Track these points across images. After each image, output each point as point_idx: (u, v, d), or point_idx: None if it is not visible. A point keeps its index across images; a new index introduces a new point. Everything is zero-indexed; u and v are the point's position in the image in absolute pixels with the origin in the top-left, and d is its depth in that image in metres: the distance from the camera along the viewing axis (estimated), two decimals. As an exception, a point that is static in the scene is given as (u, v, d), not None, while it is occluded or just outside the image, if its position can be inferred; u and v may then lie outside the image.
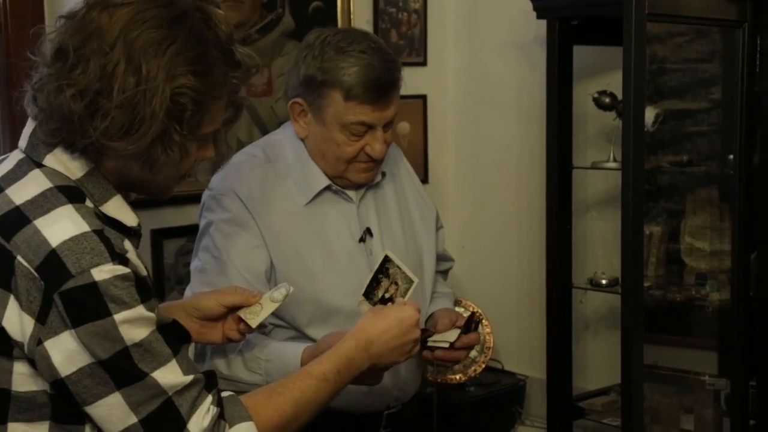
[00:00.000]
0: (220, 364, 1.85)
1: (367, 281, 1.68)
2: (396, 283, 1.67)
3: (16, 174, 1.33)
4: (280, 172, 1.97)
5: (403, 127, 3.21)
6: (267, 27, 2.79)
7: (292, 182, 1.97)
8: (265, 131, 2.79)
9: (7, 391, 1.29)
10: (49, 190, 1.29)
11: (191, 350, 1.38)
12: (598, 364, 3.04)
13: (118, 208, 1.35)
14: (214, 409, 1.30)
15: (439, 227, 2.20)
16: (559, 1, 2.67)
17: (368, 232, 2.00)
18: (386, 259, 1.69)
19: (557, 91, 2.71)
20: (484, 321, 2.54)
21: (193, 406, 1.29)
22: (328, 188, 1.98)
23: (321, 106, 1.89)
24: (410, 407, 2.08)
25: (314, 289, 1.90)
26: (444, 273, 2.27)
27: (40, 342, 1.24)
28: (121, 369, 1.25)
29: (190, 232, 2.65)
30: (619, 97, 2.56)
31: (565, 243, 2.79)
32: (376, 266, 1.68)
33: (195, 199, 2.62)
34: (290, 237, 1.94)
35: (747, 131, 2.61)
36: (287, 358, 1.81)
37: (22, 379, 1.28)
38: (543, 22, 2.71)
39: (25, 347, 1.25)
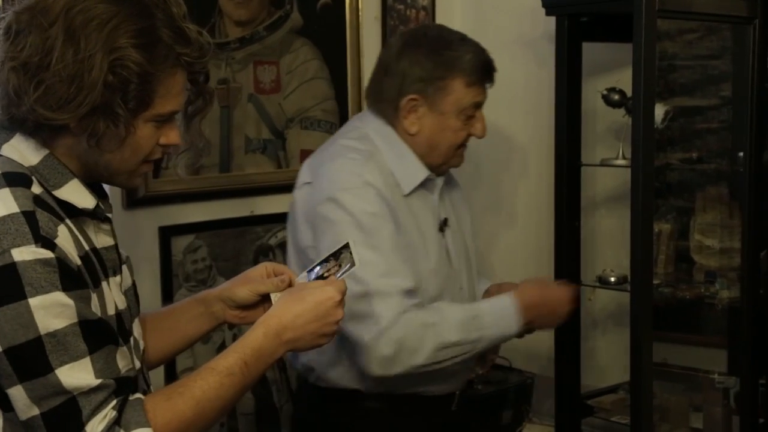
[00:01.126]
0: (449, 333, 1.94)
1: (318, 260, 1.65)
2: (340, 265, 1.64)
3: None
4: (383, 164, 2.06)
5: (411, 124, 3.21)
6: (275, 24, 2.79)
7: (392, 174, 2.05)
8: (273, 128, 2.79)
9: None
10: None
11: (122, 353, 1.36)
12: (606, 361, 3.03)
13: (73, 192, 1.35)
14: (112, 414, 1.28)
15: None
16: (569, -2, 2.66)
17: (445, 222, 2.11)
18: (345, 246, 1.64)
19: (566, 88, 2.70)
20: None
21: (96, 410, 1.27)
22: (424, 180, 2.09)
23: (440, 96, 2.04)
24: (470, 386, 2.24)
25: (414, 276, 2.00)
26: None
27: None
28: (29, 360, 1.24)
29: (198, 229, 2.66)
30: (629, 94, 2.55)
31: (574, 240, 2.78)
32: (333, 250, 1.65)
33: (202, 196, 2.64)
34: (401, 225, 2.02)
35: (757, 128, 2.59)
36: (501, 307, 2.00)
37: None
38: (552, 19, 2.70)
39: None
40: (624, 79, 2.59)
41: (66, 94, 1.28)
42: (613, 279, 2.78)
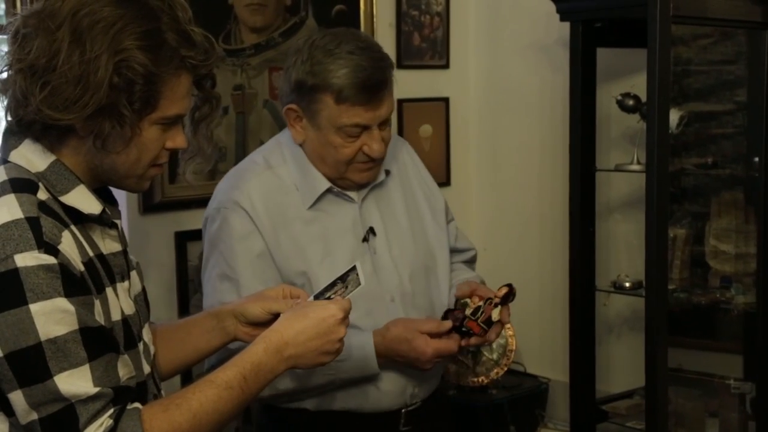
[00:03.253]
0: (283, 383, 1.87)
1: (324, 285, 1.65)
2: (347, 287, 1.63)
3: None
4: (281, 178, 1.97)
5: (426, 129, 3.21)
6: (290, 30, 2.80)
7: (294, 187, 1.97)
8: (288, 134, 2.80)
9: None
10: (2, 183, 1.32)
11: (124, 361, 1.36)
12: (621, 367, 3.02)
13: (79, 198, 1.36)
14: (108, 422, 1.28)
15: (450, 220, 2.18)
16: (583, 4, 2.67)
17: (371, 231, 2.01)
18: (352, 269, 1.63)
19: (580, 94, 2.70)
20: (507, 324, 2.52)
21: (92, 418, 1.27)
22: (329, 191, 1.98)
23: (314, 110, 1.88)
24: (430, 404, 2.07)
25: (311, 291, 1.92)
26: (469, 263, 2.23)
27: None
28: (28, 366, 1.25)
29: (214, 234, 2.67)
30: (643, 99, 2.55)
31: (589, 245, 2.78)
32: (340, 273, 1.65)
33: (218, 201, 2.65)
34: (292, 241, 1.95)
35: (772, 133, 2.59)
36: (361, 351, 1.88)
37: None
38: (566, 25, 2.71)
39: None
40: (638, 85, 2.59)
41: (72, 95, 1.29)
42: (628, 284, 2.77)
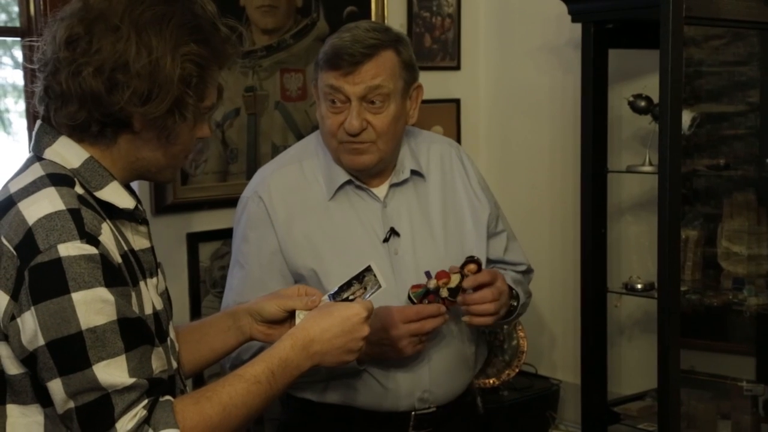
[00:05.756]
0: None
1: (339, 285, 1.66)
2: (365, 288, 1.65)
3: (21, 170, 1.41)
4: (307, 171, 2.04)
5: (436, 130, 3.21)
6: (302, 32, 2.81)
7: (319, 180, 2.03)
8: (299, 135, 2.80)
9: (1, 372, 1.33)
10: (40, 177, 1.36)
11: (158, 353, 1.38)
12: (633, 368, 3.01)
13: (113, 193, 1.40)
14: (142, 413, 1.30)
15: (498, 231, 2.18)
16: (595, 5, 2.66)
17: (393, 232, 2.01)
18: (368, 269, 1.65)
19: (592, 95, 2.70)
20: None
21: (127, 408, 1.30)
22: (350, 184, 2.02)
23: (317, 83, 2.00)
24: (447, 411, 2.06)
25: (320, 287, 1.93)
26: (522, 275, 2.23)
27: (13, 318, 1.29)
28: (68, 355, 1.27)
29: (225, 235, 2.67)
30: (655, 100, 2.55)
31: (600, 247, 2.77)
32: (356, 273, 1.67)
33: (229, 202, 2.66)
34: (305, 235, 1.98)
35: (785, 134, 2.58)
36: None
37: (9, 362, 1.32)
38: (577, 26, 2.70)
39: (0, 324, 1.29)
40: (650, 86, 2.59)
41: (148, 91, 1.34)
42: (639, 286, 2.77)
